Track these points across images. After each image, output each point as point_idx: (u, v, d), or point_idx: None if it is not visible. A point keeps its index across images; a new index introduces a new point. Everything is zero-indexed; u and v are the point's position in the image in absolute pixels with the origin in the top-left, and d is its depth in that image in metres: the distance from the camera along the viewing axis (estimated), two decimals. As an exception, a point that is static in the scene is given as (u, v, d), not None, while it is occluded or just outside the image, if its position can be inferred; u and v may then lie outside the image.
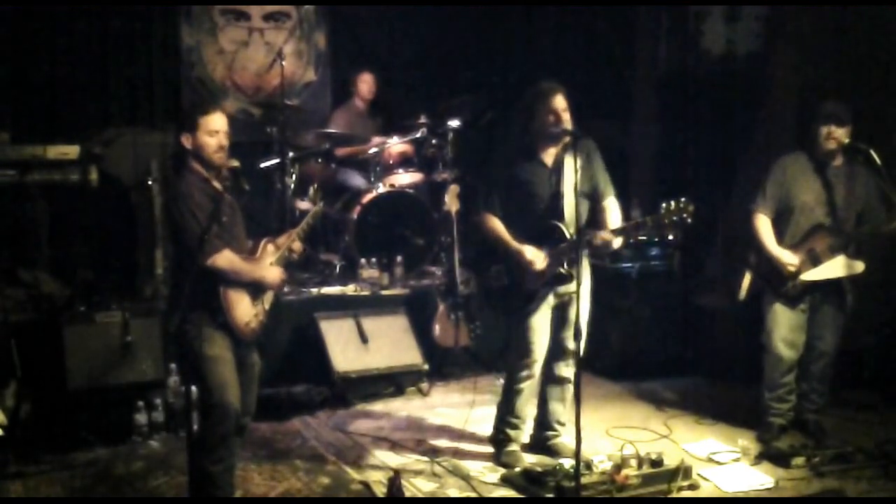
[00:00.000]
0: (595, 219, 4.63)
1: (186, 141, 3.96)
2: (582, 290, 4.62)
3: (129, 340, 5.25)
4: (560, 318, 4.69)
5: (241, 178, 3.95)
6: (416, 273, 6.73)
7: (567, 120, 4.50)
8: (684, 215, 4.28)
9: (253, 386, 4.18)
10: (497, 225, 4.62)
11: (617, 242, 4.50)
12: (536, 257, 4.51)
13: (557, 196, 4.58)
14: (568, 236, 4.50)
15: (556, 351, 4.74)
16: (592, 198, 4.61)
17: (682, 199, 4.32)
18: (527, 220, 4.59)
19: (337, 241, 6.78)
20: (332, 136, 6.96)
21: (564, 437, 4.84)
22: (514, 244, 4.55)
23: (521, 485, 4.41)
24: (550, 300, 4.65)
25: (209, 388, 3.87)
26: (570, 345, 4.64)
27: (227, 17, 7.45)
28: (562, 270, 4.55)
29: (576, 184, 4.15)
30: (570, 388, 4.76)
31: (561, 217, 4.56)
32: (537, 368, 4.71)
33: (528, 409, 4.80)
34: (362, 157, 6.98)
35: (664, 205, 4.34)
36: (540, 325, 4.64)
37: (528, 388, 4.75)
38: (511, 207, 4.63)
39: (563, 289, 4.62)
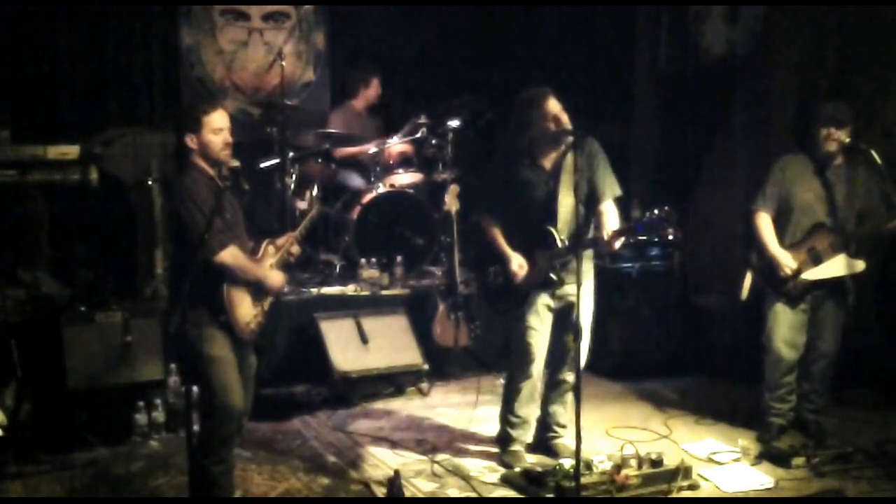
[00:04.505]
0: (593, 221, 4.61)
1: (191, 141, 3.96)
2: (583, 292, 4.64)
3: (129, 340, 5.25)
4: (562, 321, 4.69)
5: (241, 178, 3.95)
6: (416, 273, 6.73)
7: (566, 121, 4.50)
8: (666, 225, 4.29)
9: (250, 385, 4.19)
10: (492, 229, 4.66)
11: (617, 244, 4.48)
12: (521, 269, 4.56)
13: (552, 199, 4.57)
14: (559, 241, 4.51)
15: (558, 354, 4.74)
16: (591, 200, 4.56)
17: (666, 209, 4.32)
18: (523, 224, 4.61)
19: (337, 241, 6.77)
20: (332, 136, 6.96)
21: (565, 439, 4.84)
22: (506, 250, 4.61)
23: (521, 485, 4.41)
24: (550, 302, 4.64)
25: (212, 390, 3.87)
26: (571, 348, 4.65)
27: (227, 17, 7.44)
28: (552, 276, 4.56)
29: (576, 184, 4.13)
30: (569, 391, 4.77)
31: (555, 221, 4.56)
32: (536, 369, 4.70)
33: (528, 409, 4.80)
34: (362, 157, 6.99)
35: (647, 213, 4.35)
36: (537, 326, 4.64)
37: (527, 389, 4.74)
38: (509, 211, 4.64)
39: (562, 291, 4.62)
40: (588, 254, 4.59)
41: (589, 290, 4.67)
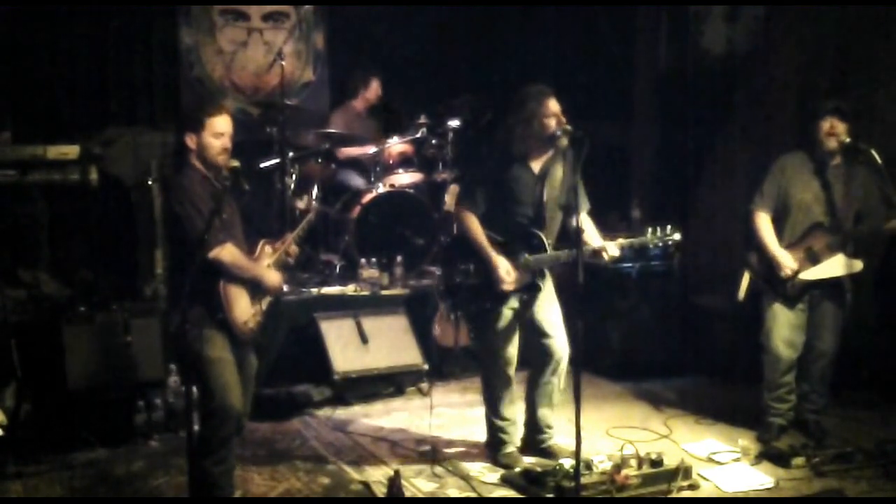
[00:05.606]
0: (566, 230, 4.61)
1: (191, 141, 3.97)
2: (546, 293, 4.68)
3: (129, 340, 5.25)
4: (531, 321, 4.68)
5: (241, 178, 3.95)
6: (416, 273, 6.73)
7: (564, 122, 4.50)
8: (669, 242, 4.29)
9: (250, 386, 4.19)
10: (475, 224, 4.57)
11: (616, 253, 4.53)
12: (508, 276, 4.49)
13: (541, 204, 4.57)
14: (547, 246, 4.50)
15: (537, 356, 4.73)
16: (569, 208, 4.54)
17: (669, 228, 4.32)
18: (507, 224, 4.58)
19: (337, 241, 6.77)
20: (332, 136, 6.96)
21: (557, 438, 4.83)
22: (492, 253, 4.51)
23: (521, 485, 4.41)
24: (514, 304, 4.64)
25: (211, 391, 3.87)
26: (553, 349, 4.66)
27: (227, 17, 7.44)
28: (537, 282, 4.56)
29: (575, 184, 4.12)
30: (556, 392, 4.76)
31: (542, 226, 4.56)
32: (511, 372, 4.72)
33: (512, 409, 4.80)
34: (362, 157, 6.99)
35: (650, 230, 4.34)
36: (507, 328, 4.64)
37: (507, 391, 4.75)
38: (494, 209, 4.59)
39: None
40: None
41: (550, 289, 4.71)
